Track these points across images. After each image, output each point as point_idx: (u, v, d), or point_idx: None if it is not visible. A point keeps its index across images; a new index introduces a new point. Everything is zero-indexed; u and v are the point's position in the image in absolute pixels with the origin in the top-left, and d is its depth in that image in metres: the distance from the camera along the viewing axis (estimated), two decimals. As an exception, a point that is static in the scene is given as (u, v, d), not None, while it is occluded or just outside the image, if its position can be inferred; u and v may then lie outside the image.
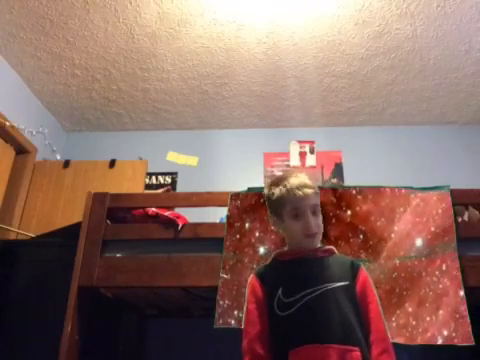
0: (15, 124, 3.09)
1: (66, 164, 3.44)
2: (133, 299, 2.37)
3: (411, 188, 1.83)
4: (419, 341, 1.52)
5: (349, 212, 1.78)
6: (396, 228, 1.73)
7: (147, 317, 2.87)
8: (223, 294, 1.73)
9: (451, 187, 1.78)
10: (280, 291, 1.27)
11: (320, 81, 3.27)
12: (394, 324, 1.57)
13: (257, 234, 1.80)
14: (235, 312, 1.70)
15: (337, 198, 1.81)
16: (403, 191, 1.81)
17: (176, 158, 3.01)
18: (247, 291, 1.37)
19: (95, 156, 3.56)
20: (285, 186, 1.32)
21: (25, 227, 3.10)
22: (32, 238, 2.74)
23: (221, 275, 1.76)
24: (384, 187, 1.83)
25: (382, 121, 3.75)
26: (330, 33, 2.82)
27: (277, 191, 1.34)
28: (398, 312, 1.59)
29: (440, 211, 1.72)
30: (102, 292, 1.98)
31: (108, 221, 2.01)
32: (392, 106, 3.56)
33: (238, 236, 1.83)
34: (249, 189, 1.93)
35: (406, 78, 3.22)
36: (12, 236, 2.99)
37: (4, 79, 3.09)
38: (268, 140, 3.78)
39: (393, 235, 1.72)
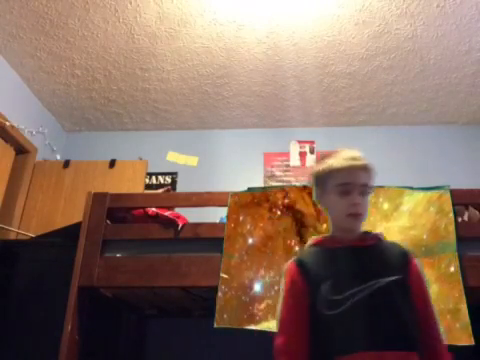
0: (15, 124, 3.09)
1: (66, 164, 3.44)
2: (133, 299, 2.37)
3: (411, 188, 1.83)
4: None
5: None
6: (389, 225, 1.75)
7: (147, 317, 2.87)
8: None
9: (451, 187, 1.78)
10: (326, 286, 1.09)
11: (320, 81, 3.27)
12: None
13: (248, 227, 1.83)
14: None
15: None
16: (399, 190, 1.82)
17: (176, 158, 3.01)
18: (284, 281, 1.20)
19: (95, 156, 3.55)
20: (336, 158, 1.20)
21: (25, 227, 3.10)
22: (32, 238, 2.73)
23: (221, 275, 1.76)
24: (383, 187, 1.84)
25: (382, 121, 3.75)
26: (330, 33, 2.81)
27: (328, 162, 1.21)
28: None
29: (439, 211, 1.72)
30: (102, 292, 1.98)
31: (108, 221, 2.01)
32: (392, 106, 3.56)
33: (237, 236, 1.84)
34: (249, 189, 1.94)
35: (406, 78, 3.22)
36: (12, 236, 2.99)
37: (4, 79, 3.09)
38: (268, 140, 3.78)
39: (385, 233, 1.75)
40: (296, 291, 1.14)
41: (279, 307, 1.17)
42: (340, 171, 1.17)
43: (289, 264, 1.20)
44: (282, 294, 1.18)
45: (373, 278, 1.08)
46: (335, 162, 1.19)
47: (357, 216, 1.16)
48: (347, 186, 1.16)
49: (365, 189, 1.17)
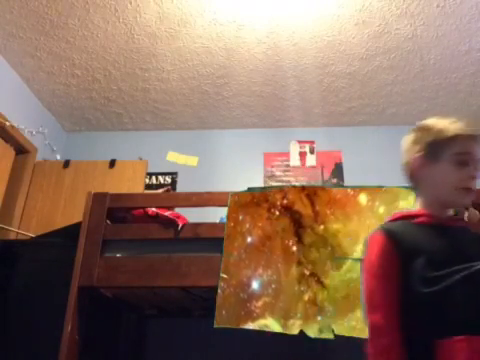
0: (15, 124, 3.09)
1: (66, 164, 3.44)
2: (133, 299, 2.37)
3: (410, 187, 1.84)
4: None
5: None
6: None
7: (147, 317, 2.87)
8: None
9: (451, 187, 1.78)
10: (421, 260, 0.97)
11: (320, 81, 3.27)
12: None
13: (247, 226, 1.85)
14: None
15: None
16: (395, 193, 1.85)
17: (176, 158, 3.01)
18: (370, 251, 1.06)
19: (95, 156, 3.56)
20: (459, 124, 1.08)
21: (25, 227, 3.10)
22: (32, 238, 2.73)
23: (221, 275, 1.77)
24: (382, 187, 1.86)
25: (382, 121, 3.75)
26: (330, 33, 2.81)
27: (446, 125, 1.09)
28: None
29: None
30: (102, 292, 1.98)
31: (108, 221, 2.01)
32: (392, 106, 3.56)
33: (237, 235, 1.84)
34: (249, 189, 1.94)
35: (406, 78, 3.22)
36: (12, 236, 2.99)
37: (4, 79, 3.09)
38: (268, 140, 3.78)
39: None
40: (387, 261, 1.01)
41: (363, 282, 1.05)
42: (463, 139, 1.05)
43: (375, 233, 1.08)
44: (365, 266, 1.06)
45: (472, 259, 0.97)
46: (460, 130, 1.07)
47: (470, 191, 1.04)
48: (466, 156, 1.05)
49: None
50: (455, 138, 1.05)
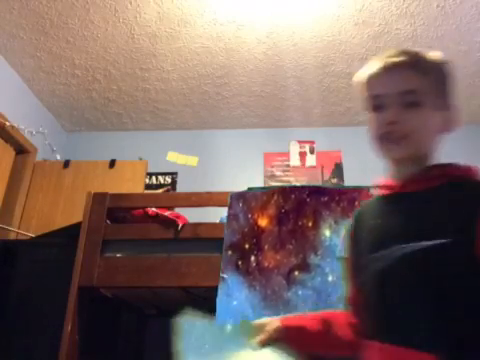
0: (15, 124, 3.09)
1: (66, 164, 3.43)
2: (133, 299, 2.37)
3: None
4: None
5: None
6: None
7: (147, 317, 2.87)
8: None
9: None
10: (360, 245, 0.87)
11: (320, 81, 3.27)
12: None
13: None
14: None
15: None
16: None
17: (176, 158, 3.01)
18: None
19: (95, 156, 3.55)
20: (370, 63, 0.87)
21: (25, 227, 3.09)
22: (32, 238, 2.73)
23: (221, 275, 1.76)
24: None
25: (382, 121, 3.75)
26: (330, 33, 2.81)
27: (362, 71, 0.89)
28: None
29: None
30: (102, 292, 1.98)
31: (108, 221, 2.01)
32: (392, 106, 3.56)
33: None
34: (249, 189, 1.93)
35: (406, 78, 3.22)
36: (12, 236, 2.99)
37: (4, 79, 3.09)
38: (268, 140, 3.77)
39: None
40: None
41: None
42: (371, 80, 0.86)
43: None
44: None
45: (398, 242, 0.75)
46: (367, 71, 0.87)
47: (393, 140, 0.81)
48: (376, 99, 0.84)
49: (412, 98, 0.80)
50: (366, 82, 0.87)
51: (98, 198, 2.01)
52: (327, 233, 1.75)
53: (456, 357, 0.66)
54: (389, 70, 0.82)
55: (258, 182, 3.55)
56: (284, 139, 3.78)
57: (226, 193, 1.94)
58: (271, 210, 1.81)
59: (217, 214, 2.26)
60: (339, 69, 3.14)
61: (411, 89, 0.80)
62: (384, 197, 0.87)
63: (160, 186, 3.54)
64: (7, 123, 3.01)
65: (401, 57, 0.82)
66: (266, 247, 1.75)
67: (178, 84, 3.32)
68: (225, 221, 1.89)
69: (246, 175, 3.50)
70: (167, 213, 1.98)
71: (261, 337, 0.85)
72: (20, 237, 2.96)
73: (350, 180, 3.43)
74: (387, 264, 0.75)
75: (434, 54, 0.85)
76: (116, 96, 3.46)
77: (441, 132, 0.85)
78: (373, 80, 0.85)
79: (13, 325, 2.09)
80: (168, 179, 3.66)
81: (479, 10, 2.60)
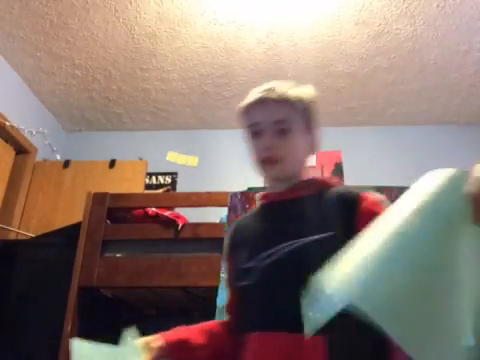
0: (15, 124, 3.09)
1: (66, 164, 3.43)
2: (133, 299, 2.37)
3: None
4: None
5: None
6: None
7: (147, 317, 2.87)
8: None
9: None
10: (240, 252, 0.96)
11: (320, 81, 3.27)
12: None
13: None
14: None
15: None
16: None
17: (176, 158, 3.00)
18: None
19: (95, 156, 3.55)
20: (250, 94, 1.00)
21: (25, 227, 3.09)
22: (32, 238, 2.74)
23: (221, 275, 1.76)
24: (383, 188, 1.85)
25: (382, 121, 3.75)
26: (330, 33, 2.81)
27: (243, 102, 1.02)
28: None
29: None
30: (102, 292, 1.98)
31: (108, 221, 2.01)
32: (392, 106, 3.56)
33: None
34: (249, 189, 1.94)
35: (406, 78, 3.22)
36: (12, 236, 2.99)
37: (4, 79, 3.09)
38: (268, 140, 3.77)
39: None
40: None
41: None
42: (248, 108, 0.99)
43: None
44: None
45: (285, 239, 0.84)
46: (245, 103, 1.00)
47: (270, 162, 0.94)
48: (257, 126, 0.97)
49: (285, 125, 0.94)
50: (246, 112, 1.01)
51: (98, 198, 2.01)
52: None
53: (335, 338, 0.74)
54: (264, 102, 0.95)
55: (258, 182, 3.55)
56: (284, 139, 3.77)
57: (226, 193, 1.94)
58: None
59: (217, 214, 2.26)
60: (339, 69, 3.14)
61: (282, 118, 0.94)
62: (265, 206, 1.00)
63: (160, 186, 3.54)
64: (7, 123, 3.01)
65: (275, 91, 0.95)
66: None
67: (178, 84, 3.32)
68: (225, 221, 1.90)
69: (246, 175, 3.49)
70: (167, 213, 1.99)
71: (146, 357, 0.88)
72: (20, 237, 2.96)
73: (350, 180, 3.42)
74: (277, 259, 0.84)
75: (303, 88, 1.00)
76: (116, 96, 3.46)
77: (308, 152, 1.05)
78: (251, 110, 0.98)
79: (13, 325, 2.09)
80: (168, 179, 3.66)
81: (479, 10, 2.60)
